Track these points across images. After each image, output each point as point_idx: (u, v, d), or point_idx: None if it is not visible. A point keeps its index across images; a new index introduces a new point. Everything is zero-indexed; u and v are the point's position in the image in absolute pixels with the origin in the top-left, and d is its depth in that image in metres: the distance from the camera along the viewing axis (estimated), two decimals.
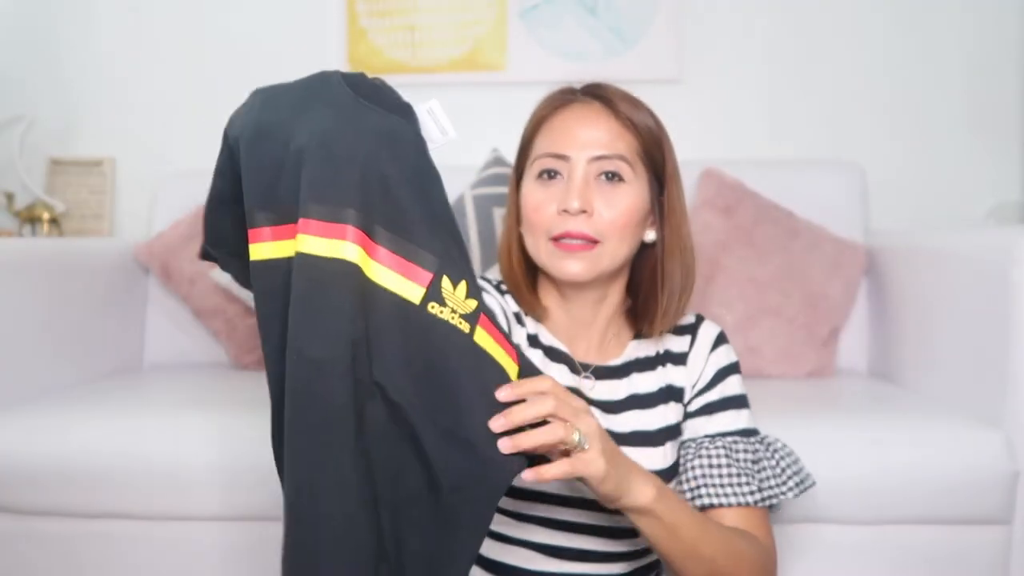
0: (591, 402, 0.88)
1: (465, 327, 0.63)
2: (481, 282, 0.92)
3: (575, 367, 0.91)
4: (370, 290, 0.62)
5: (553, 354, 0.91)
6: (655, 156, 0.88)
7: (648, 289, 0.90)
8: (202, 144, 1.98)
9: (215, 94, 1.99)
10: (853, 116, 1.88)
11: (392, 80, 1.96)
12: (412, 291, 0.62)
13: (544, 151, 0.86)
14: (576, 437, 0.63)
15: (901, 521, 1.12)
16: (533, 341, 0.92)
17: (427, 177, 0.65)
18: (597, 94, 0.88)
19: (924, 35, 1.86)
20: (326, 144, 0.62)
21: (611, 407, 0.89)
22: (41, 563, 1.21)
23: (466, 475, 0.63)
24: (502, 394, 0.63)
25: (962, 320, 1.25)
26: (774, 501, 0.84)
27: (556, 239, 0.84)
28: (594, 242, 0.84)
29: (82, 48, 2.01)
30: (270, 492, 1.15)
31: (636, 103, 0.88)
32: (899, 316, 1.49)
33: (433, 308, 0.62)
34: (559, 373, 0.90)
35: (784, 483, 0.85)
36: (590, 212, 0.83)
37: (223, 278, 1.59)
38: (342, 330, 0.61)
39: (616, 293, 0.92)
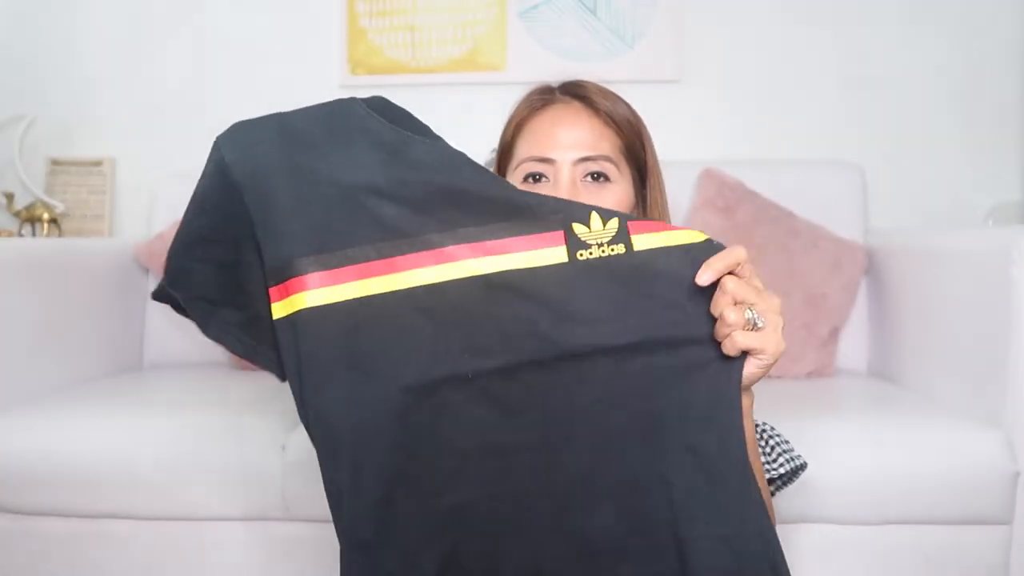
0: None
1: (620, 248, 0.62)
2: None
3: None
4: (513, 279, 0.61)
5: None
6: (637, 151, 0.88)
7: None
8: (202, 144, 1.97)
9: (215, 94, 1.99)
10: (853, 116, 1.88)
11: (392, 80, 1.97)
12: (555, 254, 0.61)
13: (527, 155, 0.85)
14: (748, 315, 0.60)
15: (901, 521, 1.12)
16: None
17: (490, 175, 0.65)
18: (577, 93, 0.87)
19: (924, 35, 1.86)
20: (392, 180, 0.62)
21: None
22: (41, 563, 1.21)
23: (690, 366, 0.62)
24: (702, 278, 0.61)
25: (962, 320, 1.25)
26: (765, 476, 0.83)
27: None
28: None
29: (82, 48, 2.01)
30: (270, 492, 1.15)
31: (615, 99, 0.87)
32: (899, 316, 1.49)
33: (583, 255, 0.61)
34: None
35: (774, 460, 0.85)
36: None
37: None
38: (516, 330, 0.60)
39: None
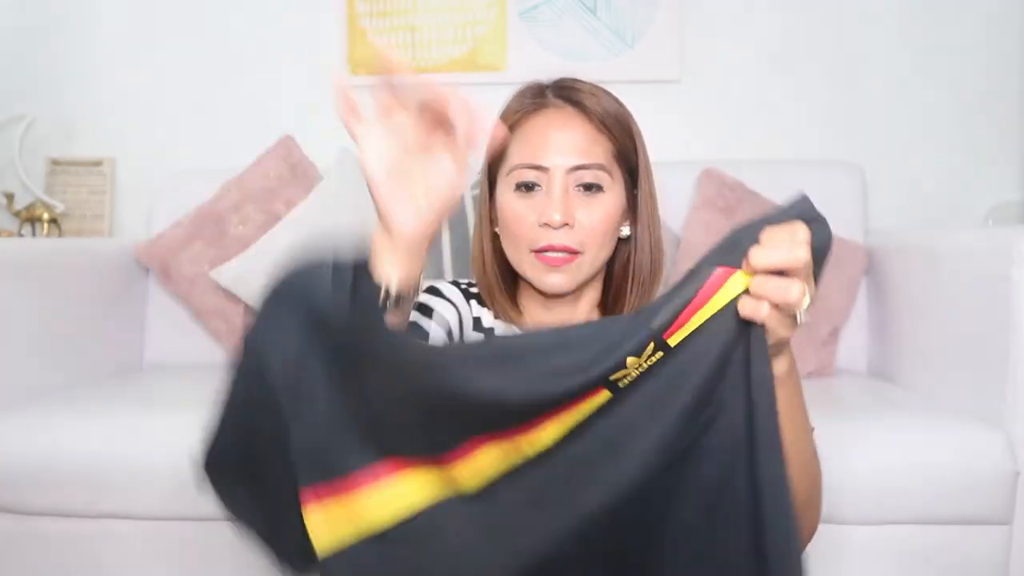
0: None
1: (658, 355, 0.57)
2: (443, 285, 0.92)
3: None
4: (563, 442, 0.58)
5: None
6: (629, 154, 0.87)
7: (619, 282, 0.91)
8: (202, 144, 1.99)
9: (215, 94, 2.00)
10: (853, 116, 1.88)
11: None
12: (600, 399, 0.58)
13: (520, 162, 0.84)
14: (806, 303, 0.55)
15: (901, 521, 1.12)
16: None
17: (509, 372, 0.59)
18: (570, 97, 0.86)
19: (924, 35, 1.86)
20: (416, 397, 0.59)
21: None
22: (41, 563, 1.21)
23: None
24: (759, 257, 0.53)
25: (962, 320, 1.25)
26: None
27: (538, 252, 0.84)
28: (576, 253, 0.84)
29: (82, 48, 2.01)
30: None
31: (608, 100, 0.87)
32: (899, 316, 1.49)
33: (624, 382, 0.57)
34: None
35: None
36: (572, 224, 0.83)
37: (222, 278, 1.59)
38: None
39: (594, 289, 0.92)
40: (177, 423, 1.22)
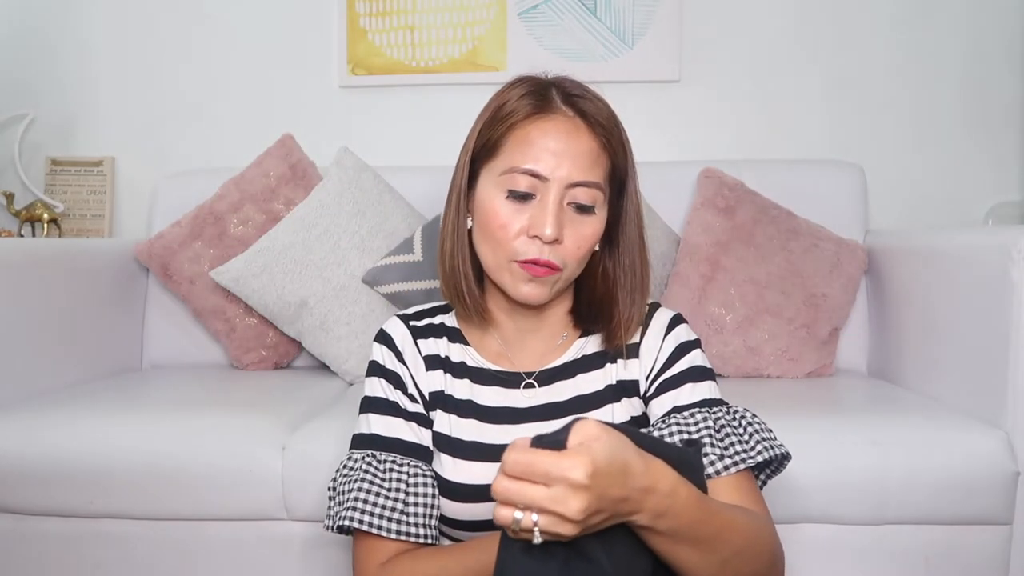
0: (533, 409, 0.88)
1: None
2: (393, 325, 0.93)
3: (510, 382, 0.91)
4: None
5: (482, 376, 0.91)
6: (620, 170, 0.87)
7: (603, 291, 0.90)
8: (202, 144, 1.99)
9: (215, 94, 2.00)
10: (853, 116, 1.88)
11: (392, 80, 1.97)
12: None
13: (520, 165, 0.82)
14: (517, 516, 0.57)
15: (901, 521, 1.12)
16: (459, 371, 0.91)
17: None
18: (579, 108, 0.84)
19: (924, 35, 1.86)
20: None
21: (555, 411, 0.88)
22: (41, 563, 1.21)
23: None
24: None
25: (962, 320, 1.25)
26: (741, 466, 0.81)
27: (520, 262, 0.83)
28: (557, 269, 0.83)
29: (82, 48, 2.01)
30: (269, 492, 1.15)
31: (606, 109, 0.86)
32: (899, 316, 1.49)
33: None
34: (491, 393, 0.90)
35: (752, 447, 0.83)
36: (561, 240, 0.82)
37: (222, 278, 1.59)
38: None
39: (564, 299, 0.93)
40: (177, 423, 1.22)
